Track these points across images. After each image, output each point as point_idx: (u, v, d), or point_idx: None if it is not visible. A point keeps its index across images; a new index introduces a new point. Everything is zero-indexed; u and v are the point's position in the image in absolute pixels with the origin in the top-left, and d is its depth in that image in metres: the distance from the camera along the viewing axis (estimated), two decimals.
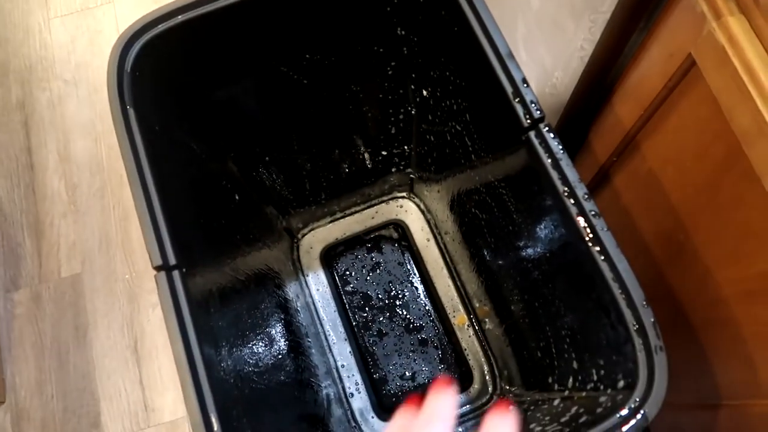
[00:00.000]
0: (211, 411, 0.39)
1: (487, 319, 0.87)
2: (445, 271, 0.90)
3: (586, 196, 0.41)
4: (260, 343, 0.62)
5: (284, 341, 0.73)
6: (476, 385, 0.86)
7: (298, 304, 0.86)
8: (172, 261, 0.42)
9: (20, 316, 0.97)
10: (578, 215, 0.41)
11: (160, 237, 0.43)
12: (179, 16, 0.50)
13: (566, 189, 0.42)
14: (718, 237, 0.48)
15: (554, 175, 0.42)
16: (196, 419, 0.38)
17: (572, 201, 0.41)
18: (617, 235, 0.40)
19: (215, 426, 0.38)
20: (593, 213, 0.41)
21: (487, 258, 0.76)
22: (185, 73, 0.54)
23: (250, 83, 0.61)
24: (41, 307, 0.97)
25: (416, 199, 0.94)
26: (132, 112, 0.47)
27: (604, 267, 0.39)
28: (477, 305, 0.87)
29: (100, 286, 0.98)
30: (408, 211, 0.94)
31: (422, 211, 0.93)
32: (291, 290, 0.86)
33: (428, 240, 0.92)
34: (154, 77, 0.51)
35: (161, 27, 0.50)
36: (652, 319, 0.37)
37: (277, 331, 0.72)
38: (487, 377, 0.86)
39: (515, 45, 0.73)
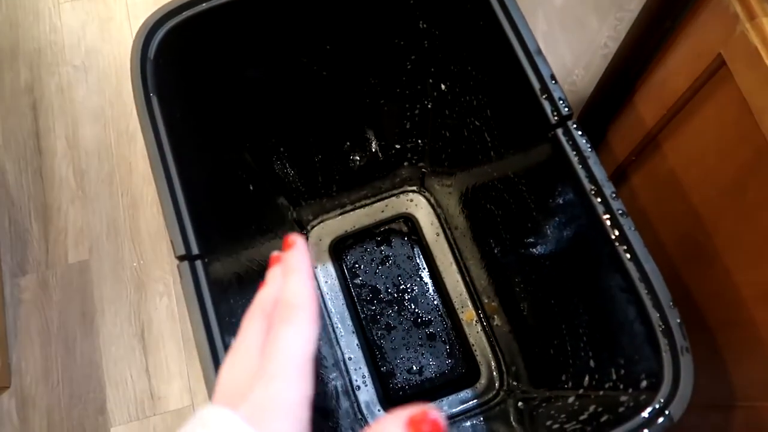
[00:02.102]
0: None
1: (495, 316, 0.87)
2: (454, 266, 0.90)
3: (614, 195, 0.41)
4: None
5: None
6: (483, 381, 0.86)
7: None
8: (195, 251, 0.42)
9: (27, 302, 0.96)
10: (605, 213, 0.41)
11: (183, 226, 0.43)
12: (203, 4, 0.49)
13: (593, 187, 0.41)
14: (740, 239, 0.48)
15: (581, 173, 0.42)
16: None
17: (599, 199, 0.41)
18: None
19: None
20: (620, 212, 0.40)
21: (498, 254, 0.76)
22: (206, 62, 0.54)
23: (270, 73, 0.60)
24: (48, 293, 0.97)
25: (427, 194, 0.93)
26: (155, 100, 0.46)
27: (631, 267, 0.39)
28: (486, 301, 0.87)
29: (107, 273, 0.97)
30: (418, 206, 0.93)
31: (432, 206, 0.93)
32: None
33: (438, 235, 0.92)
34: (176, 65, 0.51)
35: (184, 15, 0.49)
36: (678, 320, 0.37)
37: None
38: (495, 373, 0.86)
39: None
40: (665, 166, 0.57)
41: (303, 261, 0.28)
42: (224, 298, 0.46)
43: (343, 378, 0.85)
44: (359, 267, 0.91)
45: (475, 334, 0.87)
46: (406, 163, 0.87)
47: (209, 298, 0.41)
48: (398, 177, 0.91)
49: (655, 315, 0.38)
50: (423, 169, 0.89)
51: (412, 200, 0.93)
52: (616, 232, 0.40)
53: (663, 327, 0.37)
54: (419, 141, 0.81)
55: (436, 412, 0.21)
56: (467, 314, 0.89)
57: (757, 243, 0.46)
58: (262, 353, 0.25)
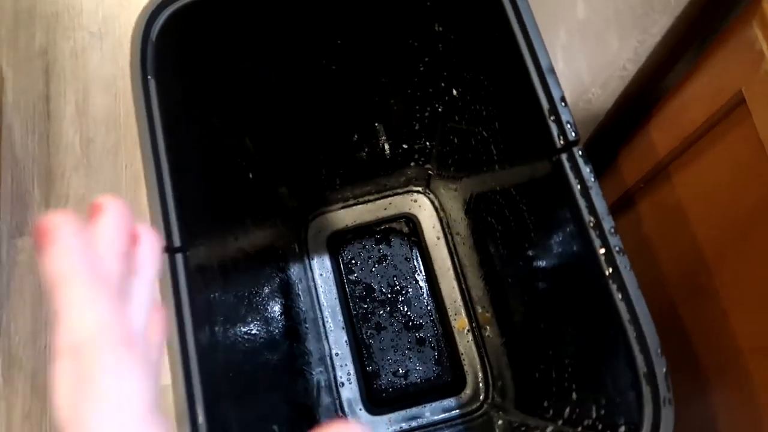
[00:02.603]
0: (198, 403, 0.38)
1: (488, 327, 0.86)
2: (451, 272, 0.89)
3: (612, 230, 0.39)
4: (257, 327, 0.61)
5: (281, 325, 0.72)
6: (468, 391, 0.85)
7: (300, 288, 0.85)
8: (177, 243, 0.41)
9: (22, 264, 0.96)
10: (601, 248, 0.39)
11: (167, 216, 0.42)
12: None
13: (592, 219, 0.40)
14: (741, 284, 0.46)
15: (582, 202, 0.40)
16: (182, 409, 0.37)
17: (597, 233, 0.39)
18: (633, 263, 0.38)
19: (200, 419, 0.37)
20: (617, 249, 0.39)
21: (496, 267, 0.75)
22: (211, 46, 0.53)
23: (277, 63, 0.59)
24: None
25: (431, 196, 0.92)
26: (153, 82, 0.45)
27: (621, 307, 0.38)
28: (480, 311, 0.86)
29: None
30: (422, 207, 0.92)
31: (436, 209, 0.91)
32: (294, 273, 0.85)
33: (438, 238, 0.90)
34: (179, 48, 0.49)
35: None
36: (665, 370, 0.36)
37: (275, 314, 0.71)
38: (481, 384, 0.85)
39: (553, 53, 0.70)
40: (673, 198, 0.55)
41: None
42: (205, 293, 0.45)
43: (328, 373, 0.85)
44: (356, 263, 0.90)
45: (465, 343, 0.86)
46: (412, 163, 0.86)
47: (186, 295, 0.40)
48: (404, 176, 0.90)
49: (641, 361, 0.36)
50: (429, 171, 0.87)
51: (416, 201, 0.92)
52: (610, 269, 0.38)
53: (648, 374, 0.36)
54: (427, 143, 0.80)
55: (353, 425, 0.19)
56: (459, 322, 0.87)
57: (757, 291, 0.44)
58: None
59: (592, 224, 0.40)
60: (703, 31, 0.43)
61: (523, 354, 0.70)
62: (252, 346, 0.59)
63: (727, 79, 0.43)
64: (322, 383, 0.82)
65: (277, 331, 0.70)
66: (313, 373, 0.79)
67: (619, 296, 0.38)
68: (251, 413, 0.53)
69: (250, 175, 0.67)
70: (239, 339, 0.55)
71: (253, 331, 0.61)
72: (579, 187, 0.40)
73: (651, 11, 0.47)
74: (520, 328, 0.71)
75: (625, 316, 0.38)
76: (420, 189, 0.92)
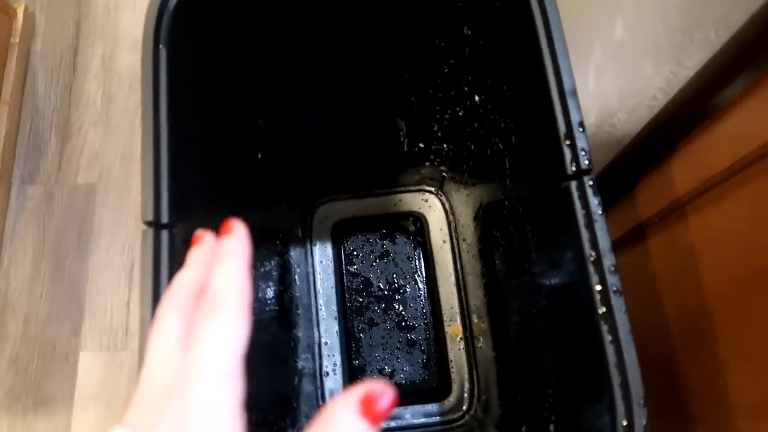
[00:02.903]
0: None
1: (481, 338, 0.84)
2: (452, 277, 0.87)
3: (612, 268, 0.37)
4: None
5: (271, 309, 0.72)
6: (452, 399, 0.84)
7: (298, 273, 0.84)
8: (164, 220, 0.40)
9: (29, 211, 0.97)
10: (597, 284, 0.38)
11: (159, 190, 0.41)
12: None
13: (593, 254, 0.38)
14: (742, 343, 0.44)
15: (585, 235, 0.38)
16: None
17: (596, 268, 0.38)
18: (636, 297, 0.37)
19: None
20: (614, 289, 0.37)
21: (498, 279, 0.73)
22: (233, 24, 0.51)
23: (299, 47, 0.57)
24: (51, 207, 0.97)
25: (443, 198, 0.90)
26: (164, 52, 0.44)
27: (610, 350, 0.36)
28: (476, 321, 0.85)
29: (111, 202, 0.97)
30: (432, 207, 0.90)
31: (446, 211, 0.90)
32: (294, 257, 0.84)
33: (444, 242, 0.89)
34: (199, 21, 0.48)
35: None
36: (645, 422, 0.34)
37: (267, 296, 0.70)
38: (465, 395, 0.83)
39: (585, 70, 0.68)
40: (686, 239, 0.52)
41: (241, 249, 0.24)
42: None
43: (314, 361, 0.84)
44: (357, 255, 0.89)
45: (456, 350, 0.85)
46: (427, 163, 0.84)
47: (166, 274, 0.39)
48: (418, 174, 0.88)
49: (621, 408, 0.35)
50: (444, 173, 0.86)
51: (426, 200, 0.90)
52: (604, 309, 0.37)
53: (627, 424, 0.34)
54: (444, 145, 0.78)
55: (385, 386, 0.19)
56: (454, 329, 0.86)
57: (756, 348, 0.42)
58: (183, 353, 0.22)
59: (592, 259, 0.38)
60: (739, 73, 0.41)
61: (511, 373, 0.69)
62: None
63: (757, 125, 0.41)
64: (306, 371, 0.81)
65: (265, 314, 0.69)
66: (298, 360, 0.78)
67: (609, 338, 0.36)
68: None
69: (259, 156, 0.66)
70: None
71: None
72: (584, 218, 0.38)
73: (690, 43, 0.45)
74: (512, 346, 0.69)
75: (611, 359, 0.36)
76: (432, 189, 0.90)
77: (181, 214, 0.43)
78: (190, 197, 0.46)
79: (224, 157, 0.56)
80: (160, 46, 0.44)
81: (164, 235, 0.40)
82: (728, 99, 0.43)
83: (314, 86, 0.65)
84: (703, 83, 0.44)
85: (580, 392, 0.42)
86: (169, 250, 0.40)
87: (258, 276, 0.67)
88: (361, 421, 0.18)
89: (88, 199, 0.97)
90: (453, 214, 0.89)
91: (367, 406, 0.18)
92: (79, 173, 0.98)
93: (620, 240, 0.67)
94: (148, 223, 0.40)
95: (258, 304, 0.68)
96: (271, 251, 0.75)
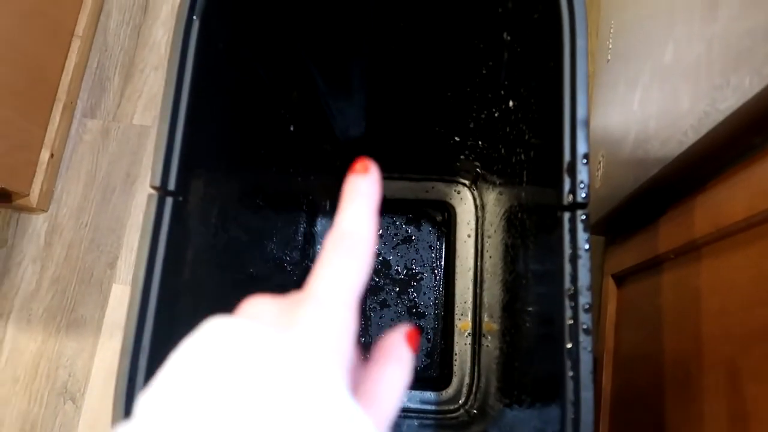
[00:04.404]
0: (144, 355, 0.40)
1: (489, 336, 0.84)
2: (471, 273, 0.88)
3: (587, 307, 0.37)
4: (253, 287, 0.63)
5: (293, 279, 0.74)
6: (450, 391, 0.85)
7: (320, 246, 0.86)
8: (171, 187, 0.42)
9: (86, 143, 1.03)
10: (570, 319, 0.38)
11: (170, 156, 0.42)
12: None
13: (571, 288, 0.38)
14: (725, 393, 0.43)
15: (567, 268, 0.38)
16: (125, 346, 0.39)
17: (571, 304, 0.38)
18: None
19: (141, 364, 0.40)
20: (585, 327, 0.37)
21: (513, 283, 0.73)
22: (276, 3, 0.52)
23: (341, 33, 0.58)
24: (106, 142, 1.02)
25: (476, 192, 0.90)
26: (197, 23, 0.45)
27: (569, 385, 0.36)
28: (486, 319, 0.85)
29: None
30: (463, 200, 0.90)
31: (476, 206, 0.89)
32: (319, 231, 0.86)
33: (469, 236, 0.89)
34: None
35: None
36: None
37: (293, 263, 0.73)
38: (464, 390, 0.84)
39: (633, 87, 0.66)
40: (694, 282, 0.51)
41: (374, 192, 0.25)
42: (186, 245, 0.46)
43: None
44: (380, 236, 0.90)
45: (462, 344, 0.86)
46: (462, 156, 0.84)
47: (164, 241, 0.41)
48: (455, 165, 0.88)
49: None
50: (477, 168, 0.85)
51: (459, 192, 0.90)
52: (570, 344, 0.37)
53: None
54: (479, 142, 0.77)
55: (412, 327, 0.26)
56: (463, 324, 0.87)
57: (735, 410, 0.41)
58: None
59: (569, 293, 0.38)
60: (764, 128, 0.39)
61: (509, 377, 0.69)
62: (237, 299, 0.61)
63: None
64: None
65: (288, 279, 0.72)
66: None
67: (571, 374, 0.37)
68: None
69: (291, 128, 0.68)
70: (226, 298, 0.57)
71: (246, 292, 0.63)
72: (570, 251, 0.38)
73: (726, 86, 0.43)
74: (515, 352, 0.70)
75: (569, 396, 0.36)
76: (467, 182, 0.90)
77: (192, 182, 0.45)
78: (206, 165, 0.48)
79: (254, 127, 0.58)
80: (194, 17, 0.45)
81: (168, 202, 0.42)
82: (751, 152, 0.41)
83: (354, 71, 0.66)
84: (729, 132, 0.42)
85: (537, 415, 0.42)
86: (171, 217, 0.42)
87: (276, 243, 0.70)
88: (409, 348, 0.25)
89: (141, 140, 1.02)
90: (483, 209, 0.89)
91: (410, 339, 0.25)
92: (135, 114, 1.03)
93: (636, 267, 0.65)
94: (155, 188, 0.42)
95: (282, 268, 0.70)
96: (293, 222, 0.77)
